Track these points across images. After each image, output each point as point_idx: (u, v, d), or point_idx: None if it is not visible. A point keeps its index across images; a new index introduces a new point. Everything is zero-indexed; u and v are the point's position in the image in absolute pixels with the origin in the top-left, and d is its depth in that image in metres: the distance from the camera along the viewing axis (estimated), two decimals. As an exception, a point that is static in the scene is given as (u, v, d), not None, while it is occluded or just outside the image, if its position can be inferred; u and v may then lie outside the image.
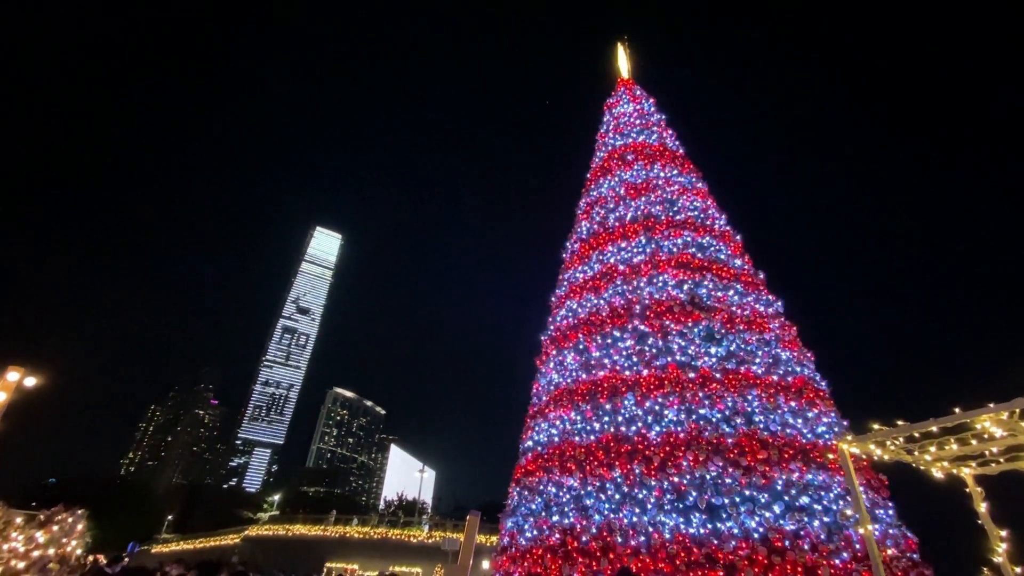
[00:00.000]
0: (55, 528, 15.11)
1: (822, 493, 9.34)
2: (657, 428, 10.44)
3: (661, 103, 20.89)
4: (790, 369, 11.55)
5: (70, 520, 15.92)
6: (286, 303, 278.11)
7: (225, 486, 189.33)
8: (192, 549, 52.29)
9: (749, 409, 10.46)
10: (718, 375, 11.03)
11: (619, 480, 10.18)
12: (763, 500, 9.16)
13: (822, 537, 8.72)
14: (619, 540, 9.36)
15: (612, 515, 9.81)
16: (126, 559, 15.66)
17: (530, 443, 12.88)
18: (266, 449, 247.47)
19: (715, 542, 8.76)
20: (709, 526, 9.06)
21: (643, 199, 15.67)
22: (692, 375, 11.09)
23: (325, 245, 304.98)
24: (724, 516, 9.07)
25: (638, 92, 21.59)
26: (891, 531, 9.49)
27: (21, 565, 13.44)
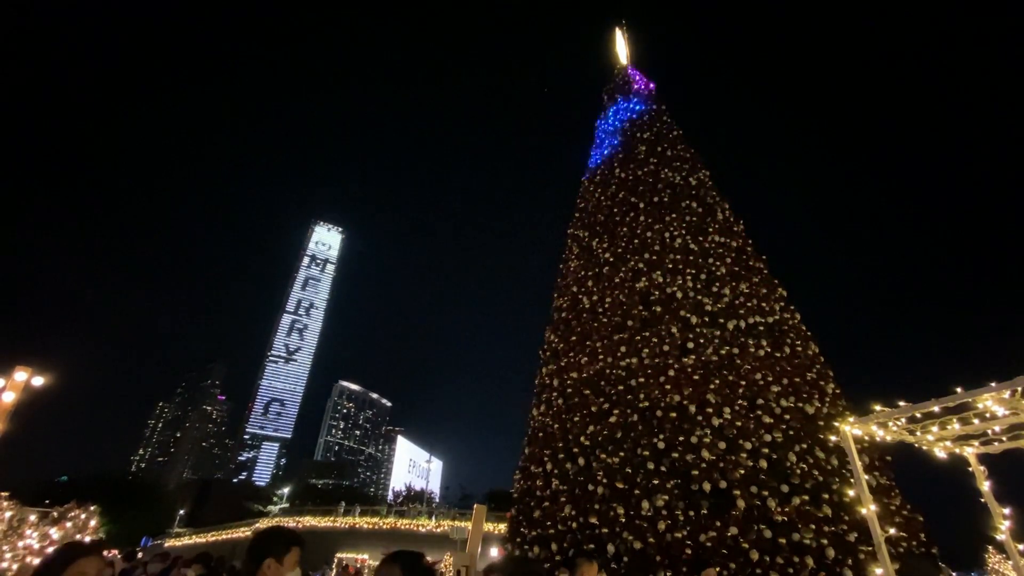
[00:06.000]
0: (68, 524, 15.33)
1: (827, 475, 9.39)
2: (660, 413, 10.48)
3: (661, 89, 20.74)
4: (794, 351, 11.55)
5: (83, 516, 16.15)
6: (290, 297, 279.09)
7: (235, 480, 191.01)
8: (204, 542, 52.89)
9: (752, 392, 10.49)
10: (723, 358, 11.06)
11: (623, 466, 10.25)
12: (768, 483, 9.21)
13: (828, 517, 8.78)
14: (625, 525, 9.44)
15: (617, 501, 9.88)
16: (140, 554, 15.85)
17: (534, 430, 12.96)
18: (274, 443, 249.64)
19: (720, 525, 8.82)
20: (714, 510, 9.13)
21: (643, 185, 15.65)
22: (696, 359, 11.11)
23: (326, 239, 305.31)
24: (729, 500, 9.13)
25: (637, 78, 21.43)
26: (895, 511, 9.53)
27: (36, 561, 13.64)
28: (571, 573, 5.86)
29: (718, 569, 8.13)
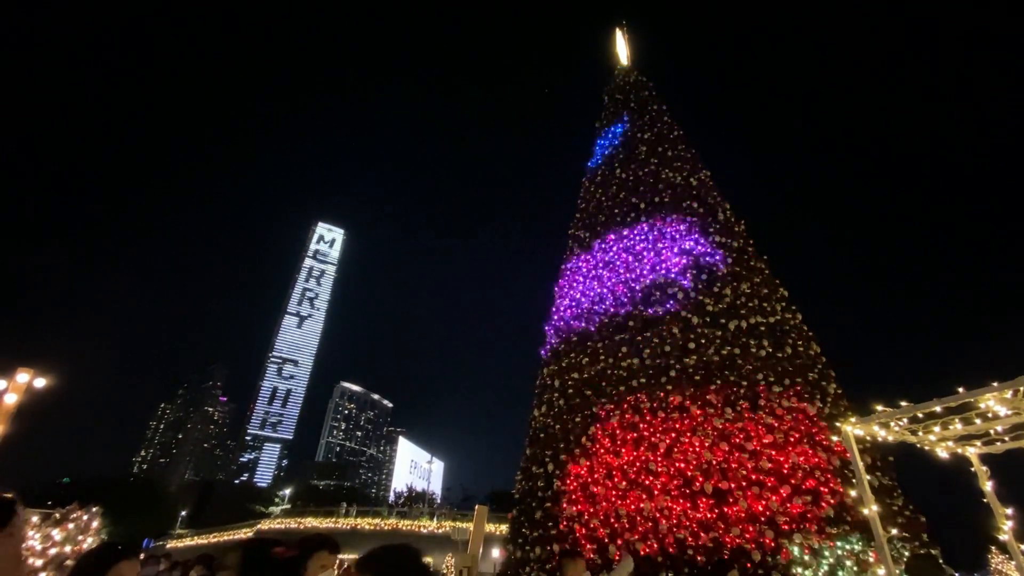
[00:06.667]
0: (71, 526, 15.28)
1: (829, 475, 9.37)
2: (663, 414, 10.47)
3: (661, 89, 20.72)
4: (795, 351, 11.53)
5: (85, 518, 16.09)
6: (291, 299, 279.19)
7: (237, 481, 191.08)
8: (206, 544, 52.86)
9: (754, 393, 10.47)
10: (724, 359, 11.04)
11: (625, 467, 10.24)
12: (770, 484, 9.19)
13: (831, 518, 8.76)
14: (627, 526, 9.43)
15: (619, 501, 9.87)
16: (142, 555, 15.89)
17: (535, 430, 12.95)
18: (276, 444, 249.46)
19: (722, 526, 8.82)
20: (716, 511, 9.12)
21: (644, 185, 15.65)
22: (697, 359, 11.10)
23: (327, 240, 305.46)
24: (731, 500, 9.12)
25: (637, 77, 21.41)
26: (897, 511, 9.51)
27: (39, 563, 13.65)
28: (560, 572, 5.83)
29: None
